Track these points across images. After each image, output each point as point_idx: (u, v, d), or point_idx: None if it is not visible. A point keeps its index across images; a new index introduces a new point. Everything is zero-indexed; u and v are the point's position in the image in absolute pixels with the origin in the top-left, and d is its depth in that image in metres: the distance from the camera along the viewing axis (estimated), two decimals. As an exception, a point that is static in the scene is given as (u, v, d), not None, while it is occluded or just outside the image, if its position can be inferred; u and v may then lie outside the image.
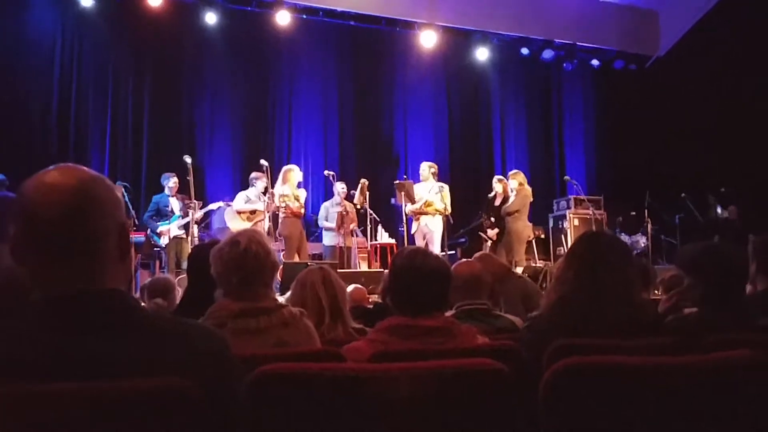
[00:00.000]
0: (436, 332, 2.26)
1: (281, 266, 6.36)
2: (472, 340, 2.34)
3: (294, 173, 8.88)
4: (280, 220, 8.71)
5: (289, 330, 2.37)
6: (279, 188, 8.71)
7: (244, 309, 2.31)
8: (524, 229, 9.26)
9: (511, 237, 9.13)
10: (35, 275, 1.26)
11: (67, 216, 1.24)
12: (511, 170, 10.27)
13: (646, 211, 10.23)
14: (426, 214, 9.08)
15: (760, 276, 3.33)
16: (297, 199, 8.75)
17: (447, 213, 9.08)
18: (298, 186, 8.96)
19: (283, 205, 8.61)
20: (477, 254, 5.04)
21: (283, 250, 8.46)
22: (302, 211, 8.85)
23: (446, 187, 9.22)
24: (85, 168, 1.32)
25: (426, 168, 9.32)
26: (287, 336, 2.35)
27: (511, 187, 9.39)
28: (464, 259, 4.08)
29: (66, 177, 1.27)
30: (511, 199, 9.29)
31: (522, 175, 9.56)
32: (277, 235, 8.68)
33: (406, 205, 9.08)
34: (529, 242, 9.66)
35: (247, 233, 2.44)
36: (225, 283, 2.38)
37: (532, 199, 9.44)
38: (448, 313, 2.91)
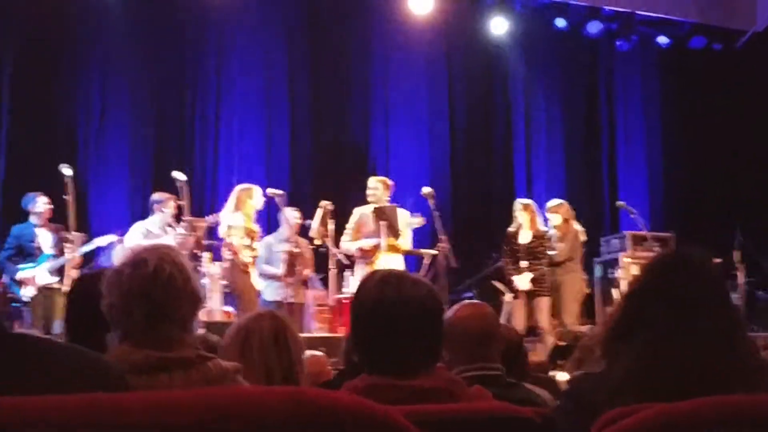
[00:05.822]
0: (432, 395, 2.26)
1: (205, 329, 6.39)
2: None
3: (256, 194, 9.01)
4: (224, 265, 8.76)
5: (217, 392, 2.38)
6: (229, 216, 8.82)
7: (150, 359, 2.31)
8: (579, 282, 9.59)
9: (560, 293, 9.39)
10: None
11: None
12: (548, 197, 10.36)
13: (736, 253, 10.32)
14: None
15: None
16: (250, 234, 8.82)
17: (402, 249, 9.08)
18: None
19: (229, 241, 8.69)
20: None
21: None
22: (252, 256, 8.88)
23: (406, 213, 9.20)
24: None
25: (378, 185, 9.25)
26: (213, 400, 2.35)
27: (553, 224, 9.52)
28: (467, 301, 4.08)
29: None
30: (554, 242, 9.42)
31: (567, 207, 9.66)
32: (223, 286, 8.76)
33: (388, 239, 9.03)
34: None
35: (159, 249, 2.45)
36: (123, 321, 2.38)
37: (585, 239, 9.61)
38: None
